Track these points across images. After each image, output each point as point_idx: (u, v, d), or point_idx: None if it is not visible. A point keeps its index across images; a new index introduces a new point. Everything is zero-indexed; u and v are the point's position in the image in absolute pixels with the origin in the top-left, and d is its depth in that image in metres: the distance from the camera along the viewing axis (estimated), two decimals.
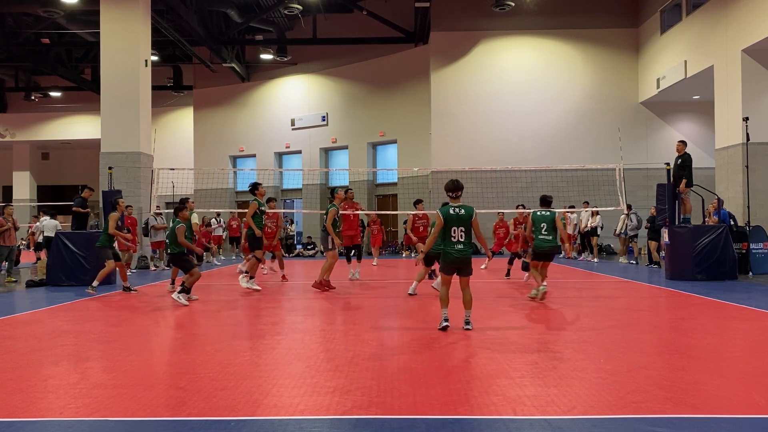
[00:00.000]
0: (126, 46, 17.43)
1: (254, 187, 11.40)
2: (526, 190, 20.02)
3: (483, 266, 14.78)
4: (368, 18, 23.83)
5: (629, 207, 16.93)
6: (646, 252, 16.97)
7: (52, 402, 4.37)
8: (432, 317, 7.67)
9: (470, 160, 21.57)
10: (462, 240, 6.78)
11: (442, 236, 6.86)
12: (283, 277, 13.03)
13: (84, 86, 29.31)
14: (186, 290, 9.48)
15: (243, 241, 13.13)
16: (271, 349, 6.10)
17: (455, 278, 6.95)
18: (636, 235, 17.35)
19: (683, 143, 13.12)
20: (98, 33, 18.18)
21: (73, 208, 13.95)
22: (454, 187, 6.92)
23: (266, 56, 27.70)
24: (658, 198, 13.20)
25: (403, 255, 22.22)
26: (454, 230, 6.77)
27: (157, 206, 16.66)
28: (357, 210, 13.50)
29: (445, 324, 6.80)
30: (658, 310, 8.67)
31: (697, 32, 18.82)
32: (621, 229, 17.82)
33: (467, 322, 6.86)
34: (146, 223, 16.44)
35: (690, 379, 4.79)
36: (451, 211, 6.79)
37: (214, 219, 20.50)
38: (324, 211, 12.04)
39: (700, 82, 19.29)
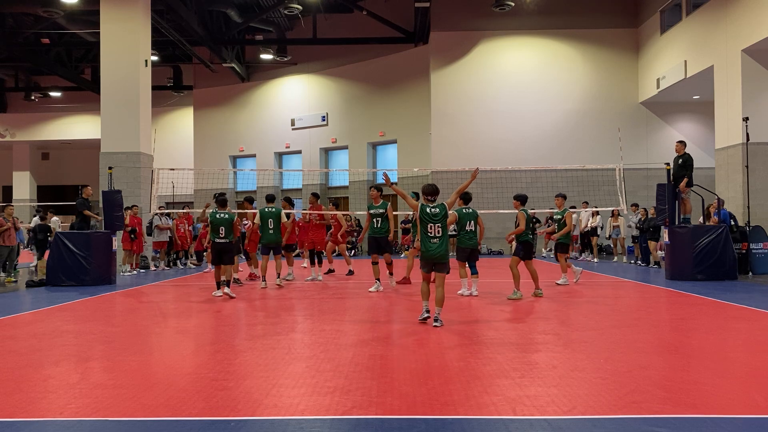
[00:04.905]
0: (126, 46, 17.42)
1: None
2: (526, 190, 19.91)
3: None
4: (368, 18, 23.83)
5: (635, 206, 17.15)
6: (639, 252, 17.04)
7: (52, 402, 4.37)
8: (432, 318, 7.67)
9: (470, 160, 21.52)
10: (439, 235, 7.17)
11: (421, 233, 7.29)
12: (251, 275, 13.60)
13: (84, 86, 29.32)
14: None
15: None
16: (271, 349, 6.10)
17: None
18: (638, 236, 17.39)
19: (682, 143, 13.12)
20: (98, 33, 18.17)
21: (84, 212, 14.18)
22: (434, 192, 7.30)
23: (266, 56, 27.68)
24: (658, 198, 13.20)
25: (402, 255, 22.18)
26: (431, 226, 7.19)
27: (160, 206, 16.64)
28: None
29: (425, 315, 7.38)
30: (658, 310, 8.67)
31: (697, 32, 18.82)
32: (611, 230, 18.19)
33: (436, 320, 7.15)
34: (150, 223, 16.44)
35: (690, 379, 4.79)
36: (428, 210, 7.24)
37: None
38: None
39: (700, 82, 19.29)
